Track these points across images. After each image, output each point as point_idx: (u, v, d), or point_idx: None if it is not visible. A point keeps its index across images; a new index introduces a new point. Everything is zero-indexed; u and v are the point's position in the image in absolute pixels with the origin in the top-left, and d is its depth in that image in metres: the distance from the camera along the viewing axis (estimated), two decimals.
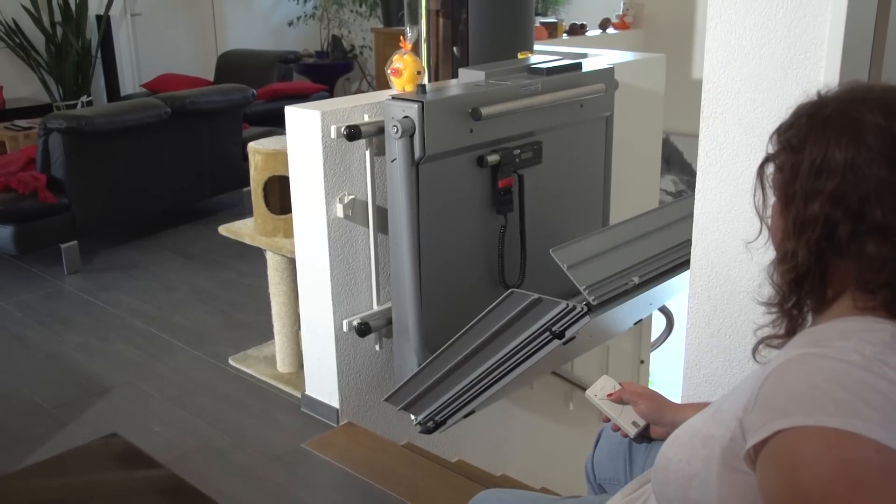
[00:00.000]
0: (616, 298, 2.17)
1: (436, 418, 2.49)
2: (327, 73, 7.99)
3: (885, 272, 1.04)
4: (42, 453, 2.64)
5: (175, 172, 4.67)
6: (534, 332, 2.19)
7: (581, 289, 2.11)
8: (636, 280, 2.20)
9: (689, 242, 2.29)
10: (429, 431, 2.54)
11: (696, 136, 1.96)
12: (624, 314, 2.47)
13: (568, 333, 2.12)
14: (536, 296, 2.13)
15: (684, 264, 2.32)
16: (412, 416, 2.59)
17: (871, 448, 0.89)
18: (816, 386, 0.95)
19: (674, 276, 2.33)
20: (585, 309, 2.07)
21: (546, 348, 2.19)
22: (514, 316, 2.18)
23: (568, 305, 2.08)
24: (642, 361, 4.22)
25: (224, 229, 3.19)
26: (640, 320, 3.01)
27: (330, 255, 2.62)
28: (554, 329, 2.13)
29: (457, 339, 2.32)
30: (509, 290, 2.18)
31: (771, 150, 1.17)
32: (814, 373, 0.97)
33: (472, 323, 2.27)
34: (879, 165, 1.03)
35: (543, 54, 3.15)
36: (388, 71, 2.66)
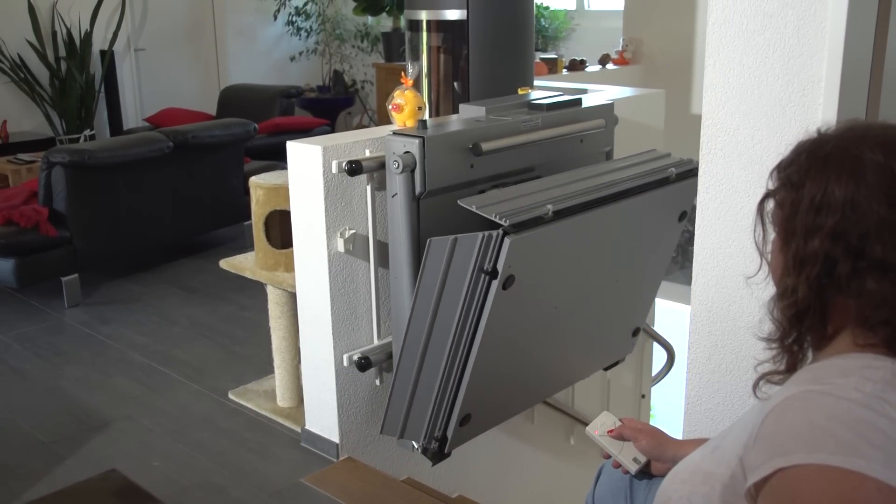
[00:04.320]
0: (533, 225, 2.21)
1: (435, 434, 2.47)
2: (329, 107, 8.05)
3: (885, 309, 1.04)
4: (40, 488, 2.63)
5: (177, 206, 4.68)
6: (470, 281, 2.22)
7: (492, 217, 2.16)
8: (550, 208, 2.24)
9: (609, 185, 2.44)
10: (437, 456, 2.50)
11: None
12: (579, 272, 2.52)
13: (500, 268, 2.16)
14: (453, 236, 2.21)
15: (605, 201, 2.42)
16: (414, 445, 2.56)
17: (873, 487, 0.89)
18: (817, 424, 0.95)
19: (593, 210, 2.40)
20: (502, 233, 2.13)
21: (490, 295, 2.22)
22: (445, 269, 2.23)
23: (485, 234, 2.15)
24: (643, 396, 4.21)
25: (225, 263, 3.20)
26: (638, 329, 3.00)
27: (330, 289, 2.62)
28: (486, 268, 2.18)
29: (409, 327, 2.35)
30: (427, 240, 2.25)
31: (771, 187, 1.18)
32: (814, 410, 0.97)
33: (414, 298, 2.31)
34: (879, 203, 1.03)
35: (543, 90, 3.17)
36: (390, 106, 2.68)
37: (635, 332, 3.01)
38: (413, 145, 2.43)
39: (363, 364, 2.69)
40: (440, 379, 2.37)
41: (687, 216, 2.79)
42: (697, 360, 1.96)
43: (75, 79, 6.67)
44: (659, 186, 2.60)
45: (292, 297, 2.96)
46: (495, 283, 2.20)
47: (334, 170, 2.55)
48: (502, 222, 2.13)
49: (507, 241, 2.14)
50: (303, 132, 6.32)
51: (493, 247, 2.16)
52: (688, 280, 2.01)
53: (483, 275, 2.20)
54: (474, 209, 2.20)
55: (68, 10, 6.77)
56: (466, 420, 2.46)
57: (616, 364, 3.12)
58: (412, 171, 2.45)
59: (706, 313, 1.92)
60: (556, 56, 6.09)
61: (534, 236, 2.22)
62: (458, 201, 2.26)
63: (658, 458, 1.64)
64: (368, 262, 2.70)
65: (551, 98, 2.89)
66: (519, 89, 3.06)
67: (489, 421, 2.65)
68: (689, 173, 2.66)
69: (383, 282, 2.72)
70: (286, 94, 6.96)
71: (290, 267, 2.92)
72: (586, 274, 2.60)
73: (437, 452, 2.49)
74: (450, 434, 2.46)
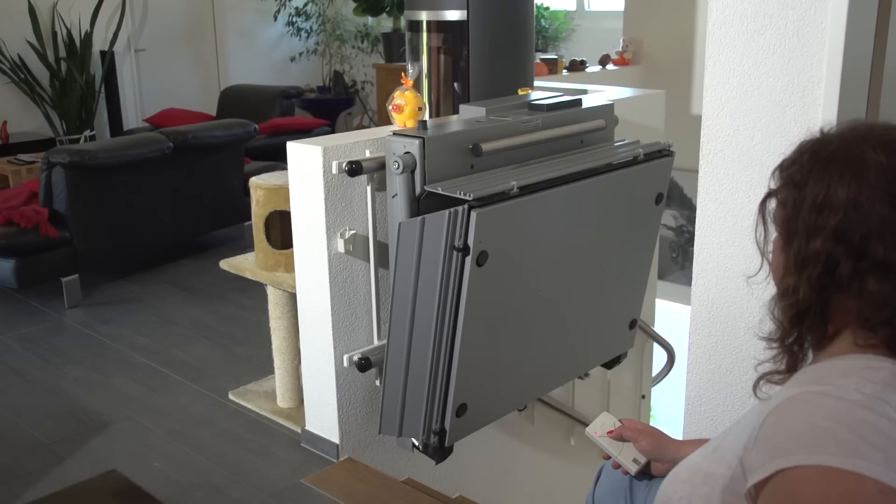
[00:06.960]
0: (499, 200, 2.24)
1: (433, 428, 2.46)
2: (329, 108, 8.05)
3: (886, 310, 1.04)
4: (40, 489, 2.63)
5: (177, 207, 4.68)
6: (444, 260, 2.24)
7: (457, 194, 2.19)
8: (515, 184, 2.27)
9: (575, 164, 2.49)
10: (438, 451, 2.48)
11: (696, 171, 1.98)
12: (549, 246, 2.52)
13: (470, 243, 2.19)
14: (421, 217, 2.24)
15: (572, 178, 2.47)
16: (414, 443, 2.56)
17: (874, 488, 0.89)
18: (818, 425, 0.95)
19: (561, 187, 2.44)
20: (468, 207, 2.17)
21: (465, 274, 2.24)
22: (417, 251, 2.25)
23: (452, 210, 2.18)
24: (643, 396, 4.21)
25: (225, 264, 3.19)
26: (635, 321, 3.00)
27: (331, 290, 2.62)
28: (456, 245, 2.21)
29: (391, 317, 2.35)
30: (398, 224, 2.28)
31: (773, 186, 1.18)
32: (815, 411, 0.97)
33: (392, 286, 2.33)
34: (881, 203, 1.03)
35: (544, 90, 3.17)
36: (390, 107, 2.68)
37: (632, 325, 3.01)
38: (413, 146, 2.43)
39: (363, 364, 2.69)
40: (430, 367, 2.37)
41: (664, 199, 2.81)
42: (697, 361, 1.96)
43: (75, 79, 6.67)
44: (627, 166, 2.64)
45: (292, 297, 2.96)
46: (469, 260, 2.22)
47: (334, 170, 2.55)
48: (467, 197, 2.16)
49: (473, 214, 2.16)
50: (303, 133, 6.32)
51: (461, 222, 2.19)
52: (688, 280, 2.01)
53: (456, 252, 2.23)
54: (440, 190, 2.24)
55: (68, 10, 6.78)
56: (463, 410, 2.46)
57: (618, 361, 3.12)
58: (412, 172, 2.45)
59: (706, 313, 1.92)
60: (556, 56, 6.09)
61: (501, 210, 2.25)
62: (425, 186, 2.29)
63: (658, 459, 1.64)
64: (368, 262, 2.70)
65: (551, 98, 2.89)
66: (519, 90, 3.06)
67: (487, 412, 2.64)
68: (659, 154, 2.70)
69: (383, 282, 2.72)
70: (286, 94, 6.96)
71: (290, 267, 2.92)
72: (565, 255, 2.61)
73: (438, 447, 2.48)
74: (448, 426, 2.45)
